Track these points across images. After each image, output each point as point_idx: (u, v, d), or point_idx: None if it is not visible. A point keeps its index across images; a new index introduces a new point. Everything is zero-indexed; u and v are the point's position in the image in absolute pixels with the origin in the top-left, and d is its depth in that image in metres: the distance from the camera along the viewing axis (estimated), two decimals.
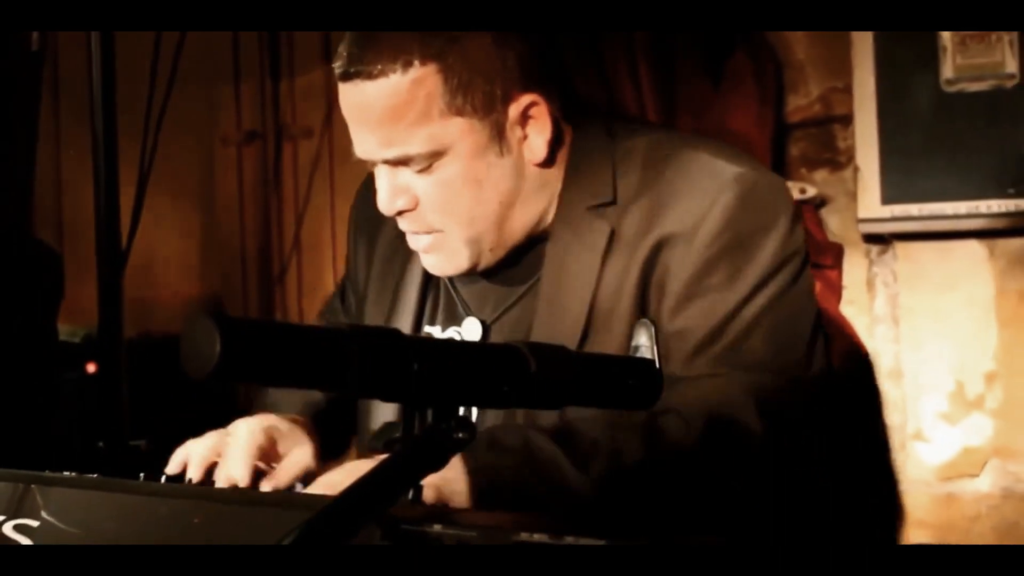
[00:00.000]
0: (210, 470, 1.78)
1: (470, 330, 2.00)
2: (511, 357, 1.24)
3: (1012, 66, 3.14)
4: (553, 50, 1.94)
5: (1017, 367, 3.24)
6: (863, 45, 3.28)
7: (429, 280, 2.06)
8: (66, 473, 1.50)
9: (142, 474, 1.60)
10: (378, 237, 2.15)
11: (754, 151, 3.14)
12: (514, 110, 1.88)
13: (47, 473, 1.48)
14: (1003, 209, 3.17)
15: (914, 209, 3.20)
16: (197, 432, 1.92)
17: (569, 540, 1.08)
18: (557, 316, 1.90)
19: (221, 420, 1.93)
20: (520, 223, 1.94)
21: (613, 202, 1.92)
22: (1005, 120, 3.15)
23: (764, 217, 1.88)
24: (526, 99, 1.89)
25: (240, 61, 4.38)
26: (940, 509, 3.33)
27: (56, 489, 1.43)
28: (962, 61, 3.18)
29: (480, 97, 1.86)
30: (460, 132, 1.86)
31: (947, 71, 3.20)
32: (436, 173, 1.88)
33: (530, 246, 1.97)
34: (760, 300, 1.85)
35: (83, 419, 3.45)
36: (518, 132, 1.91)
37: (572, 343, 1.86)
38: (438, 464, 1.19)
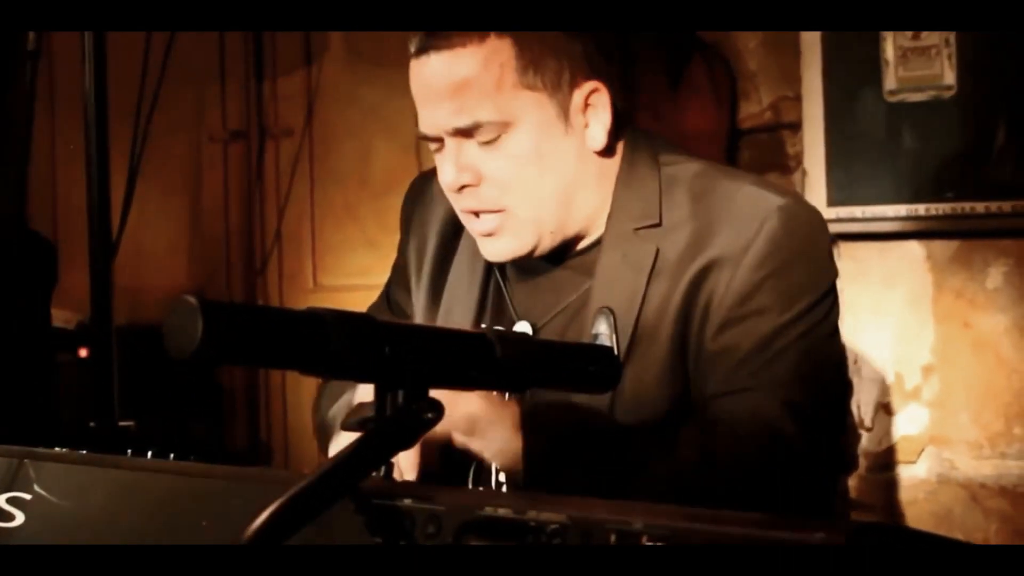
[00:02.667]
0: None
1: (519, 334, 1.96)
2: (479, 343, 1.25)
3: (950, 78, 3.15)
4: (619, 49, 1.93)
5: (952, 360, 3.25)
6: (812, 57, 3.28)
7: (486, 281, 2.02)
8: (58, 449, 1.49)
9: (129, 451, 1.59)
10: (430, 237, 2.10)
11: (710, 154, 3.14)
12: (578, 96, 1.87)
13: (40, 449, 1.47)
14: (941, 212, 3.17)
15: (858, 211, 3.21)
16: (181, 413, 1.90)
17: (531, 515, 1.08)
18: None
19: (203, 403, 1.92)
20: (581, 211, 1.91)
21: (658, 224, 1.89)
22: (943, 129, 3.15)
23: (806, 245, 1.88)
24: (589, 85, 1.87)
25: (226, 64, 4.38)
26: (880, 494, 3.34)
27: (48, 464, 1.43)
28: (904, 73, 3.19)
29: (550, 75, 1.84)
30: (529, 106, 1.84)
31: (890, 83, 3.21)
32: (502, 147, 1.85)
33: (579, 254, 1.95)
34: (801, 325, 1.84)
35: (76, 400, 3.44)
36: (580, 118, 1.88)
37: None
38: (408, 443, 1.19)
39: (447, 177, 1.88)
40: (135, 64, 3.32)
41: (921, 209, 3.19)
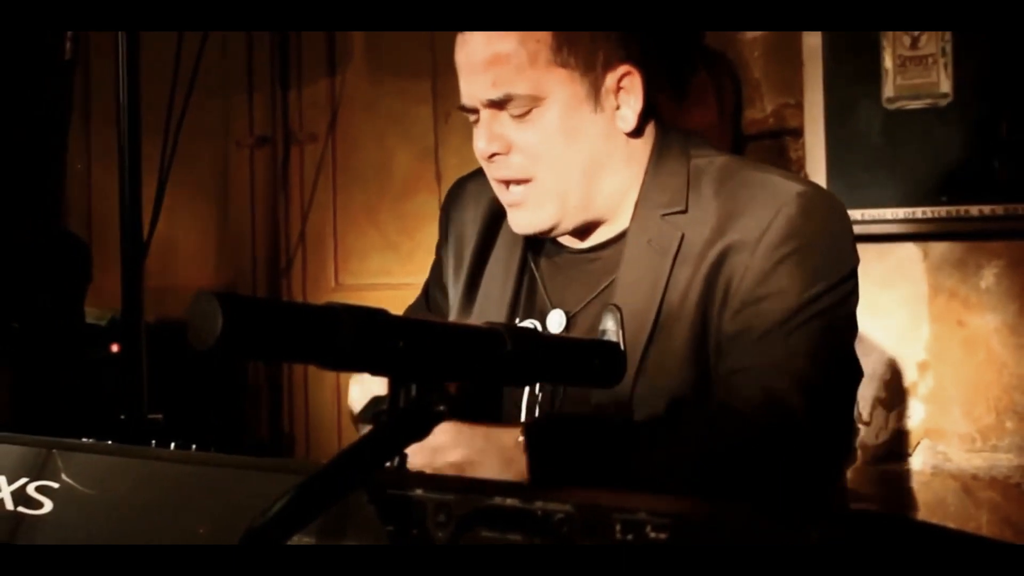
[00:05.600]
0: None
1: (554, 322, 1.94)
2: (489, 337, 1.23)
3: (946, 87, 3.13)
4: (654, 38, 1.92)
5: (946, 358, 3.24)
6: (813, 66, 3.27)
7: (521, 272, 2.01)
8: (84, 440, 1.48)
9: (153, 442, 1.58)
10: (468, 235, 2.09)
11: None
12: (611, 78, 1.85)
13: (67, 440, 1.46)
14: (936, 215, 3.16)
15: (857, 214, 3.19)
16: (208, 406, 1.90)
17: (538, 504, 1.06)
18: (630, 315, 1.84)
19: (229, 397, 1.91)
20: (606, 190, 1.90)
21: (684, 211, 1.87)
22: (939, 135, 3.14)
23: (824, 230, 1.84)
24: (623, 68, 1.86)
25: (253, 73, 4.37)
26: (877, 485, 3.32)
27: (75, 454, 1.41)
28: (902, 82, 3.18)
29: (583, 54, 1.84)
30: (560, 82, 1.83)
31: (888, 90, 3.19)
32: (533, 120, 1.84)
33: (610, 243, 1.93)
34: (817, 306, 1.81)
35: (108, 394, 3.44)
36: (612, 100, 1.87)
37: (641, 341, 1.83)
38: (420, 435, 1.17)
39: (480, 145, 1.88)
40: (166, 74, 3.32)
41: (917, 212, 3.18)
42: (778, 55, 3.37)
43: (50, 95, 3.55)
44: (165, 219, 3.33)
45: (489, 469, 1.72)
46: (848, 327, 1.87)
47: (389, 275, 4.11)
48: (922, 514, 3.26)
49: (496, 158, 1.88)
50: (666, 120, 1.97)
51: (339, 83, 4.22)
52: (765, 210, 1.82)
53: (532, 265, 1.99)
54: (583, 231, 1.94)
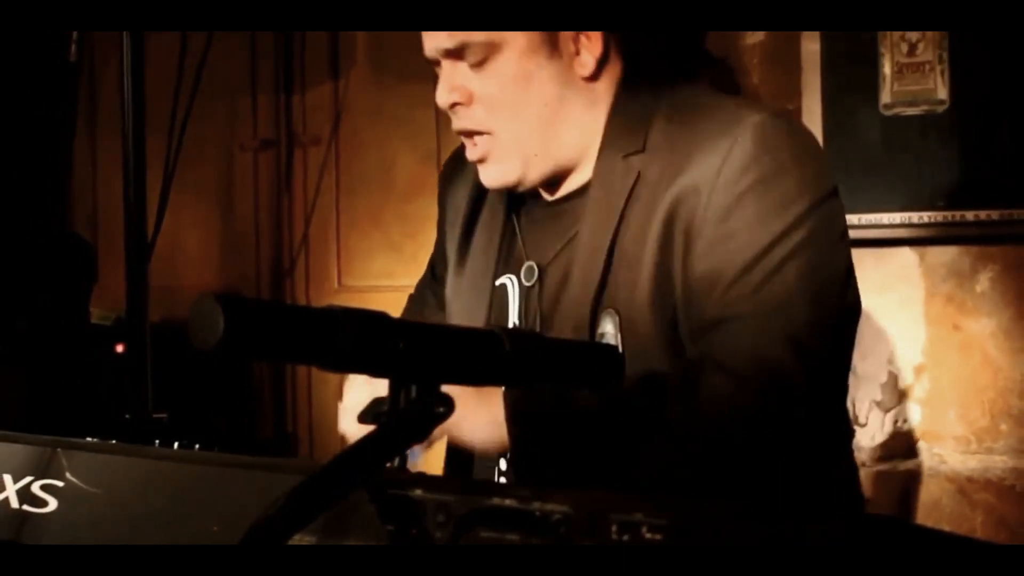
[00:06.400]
0: None
1: (527, 273, 1.91)
2: (489, 339, 1.23)
3: (943, 93, 3.13)
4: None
5: (942, 361, 3.23)
6: (811, 72, 3.27)
7: (504, 227, 1.98)
8: (89, 439, 1.49)
9: (157, 441, 1.58)
10: (460, 203, 2.07)
11: None
12: None
13: (72, 439, 1.46)
14: (933, 220, 3.16)
15: (854, 219, 3.19)
16: (212, 406, 1.90)
17: (536, 505, 1.06)
18: (586, 257, 1.80)
19: (233, 396, 1.91)
20: (567, 139, 1.85)
21: (642, 151, 1.80)
22: (936, 141, 3.14)
23: (788, 155, 1.73)
24: None
25: (257, 76, 4.37)
26: (874, 486, 3.32)
27: (80, 453, 1.42)
28: (899, 88, 3.18)
29: None
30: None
31: (885, 97, 3.19)
32: (490, 68, 1.82)
33: (579, 192, 1.88)
34: (797, 235, 1.69)
35: (112, 393, 3.44)
36: (570, 46, 1.83)
37: (594, 281, 1.77)
38: (420, 436, 1.18)
39: (441, 96, 1.87)
40: (170, 77, 3.32)
41: (914, 217, 3.17)
42: (777, 61, 3.37)
43: (55, 97, 3.55)
44: (170, 220, 3.33)
45: (480, 423, 1.70)
46: (835, 255, 1.75)
47: (392, 277, 4.10)
48: (918, 516, 3.26)
49: (457, 108, 1.86)
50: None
51: (342, 87, 4.22)
52: (720, 144, 1.73)
53: (514, 219, 1.98)
54: (553, 182, 1.91)
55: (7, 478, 1.42)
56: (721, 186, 1.70)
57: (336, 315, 1.10)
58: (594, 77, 1.85)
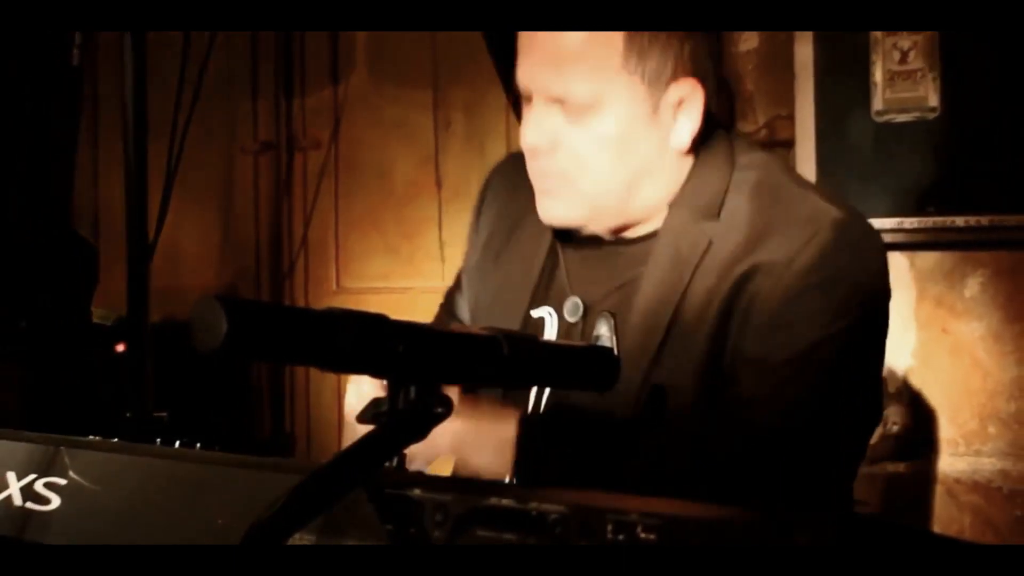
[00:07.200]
0: None
1: (570, 309, 1.85)
2: (487, 342, 1.23)
3: (934, 100, 3.14)
4: (719, 52, 1.85)
5: (932, 364, 3.24)
6: (805, 79, 3.27)
7: (548, 255, 1.91)
8: (91, 437, 1.49)
9: (158, 439, 1.58)
10: (502, 206, 2.00)
11: None
12: (674, 91, 1.75)
13: (75, 437, 1.47)
14: (923, 225, 3.16)
15: None
16: (211, 405, 1.90)
17: (533, 505, 1.07)
18: (646, 314, 1.77)
19: (232, 396, 1.91)
20: (644, 201, 1.80)
21: (717, 219, 1.77)
22: (927, 148, 3.14)
23: (857, 260, 1.73)
24: (688, 83, 1.75)
25: (258, 80, 4.37)
26: (863, 488, 3.32)
27: (82, 451, 1.42)
28: (891, 95, 3.18)
29: (652, 66, 1.73)
30: (623, 92, 1.73)
31: (877, 104, 3.20)
32: (587, 124, 1.74)
33: (640, 239, 1.83)
34: (839, 342, 1.70)
35: (113, 392, 3.44)
36: (670, 114, 1.77)
37: (653, 343, 1.75)
38: (419, 436, 1.18)
39: (527, 136, 1.79)
40: (173, 80, 3.32)
41: (905, 222, 3.18)
42: (771, 68, 3.37)
43: (58, 100, 3.55)
44: (170, 222, 3.33)
45: (480, 455, 1.69)
46: (871, 364, 1.79)
47: (390, 279, 4.11)
48: (906, 517, 3.26)
49: (539, 153, 1.79)
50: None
51: (342, 91, 4.22)
52: (799, 233, 1.71)
53: (559, 248, 1.90)
54: (615, 230, 1.85)
55: (11, 476, 1.43)
56: (793, 274, 1.70)
57: (336, 317, 1.11)
58: (688, 151, 1.80)
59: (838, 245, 1.71)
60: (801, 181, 1.84)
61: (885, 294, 1.79)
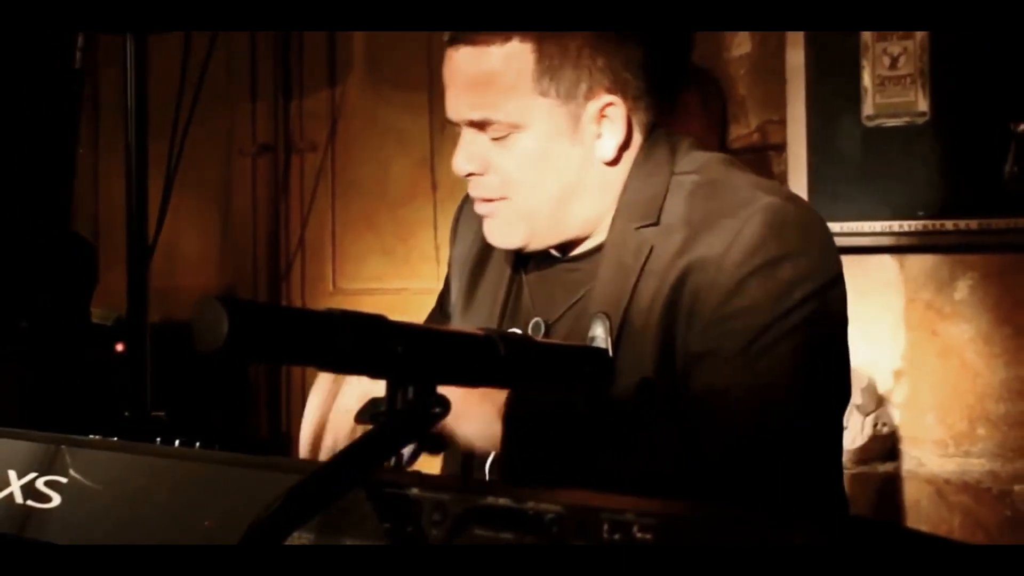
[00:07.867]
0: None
1: (534, 329, 1.88)
2: (483, 343, 1.23)
3: (923, 105, 3.14)
4: (648, 65, 1.82)
5: (921, 366, 3.24)
6: (796, 84, 3.28)
7: (512, 280, 1.94)
8: (92, 436, 1.49)
9: (158, 439, 1.58)
10: (471, 242, 2.03)
11: None
12: (593, 106, 1.77)
13: (76, 436, 1.47)
14: (913, 229, 3.17)
15: (836, 227, 3.20)
16: (209, 405, 1.90)
17: (530, 504, 1.07)
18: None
19: (230, 396, 1.91)
20: (577, 216, 1.82)
21: (656, 223, 1.77)
22: (916, 152, 3.15)
23: (794, 241, 1.71)
24: (606, 98, 1.77)
25: (257, 83, 4.38)
26: (854, 488, 3.33)
27: (83, 450, 1.42)
28: (881, 100, 3.19)
29: (565, 84, 1.75)
30: (540, 112, 1.75)
31: (868, 108, 3.20)
32: (510, 144, 1.77)
33: (590, 254, 1.85)
34: (789, 321, 1.68)
35: (112, 391, 3.44)
36: (593, 128, 1.79)
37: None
38: (416, 435, 1.18)
39: (458, 163, 1.82)
40: (172, 82, 3.32)
41: (895, 226, 3.18)
42: (763, 73, 3.38)
43: (60, 102, 3.55)
44: (170, 223, 3.33)
45: (479, 419, 1.67)
46: (830, 340, 1.75)
47: (385, 280, 4.11)
48: (896, 517, 3.27)
49: (472, 177, 1.83)
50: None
51: (339, 94, 4.23)
52: (731, 224, 1.71)
53: (522, 272, 1.94)
54: (564, 245, 1.88)
55: (12, 474, 1.43)
56: (728, 266, 1.70)
57: (336, 317, 1.11)
58: (615, 162, 1.82)
59: (771, 230, 1.70)
60: (739, 176, 1.83)
61: (830, 270, 1.75)
